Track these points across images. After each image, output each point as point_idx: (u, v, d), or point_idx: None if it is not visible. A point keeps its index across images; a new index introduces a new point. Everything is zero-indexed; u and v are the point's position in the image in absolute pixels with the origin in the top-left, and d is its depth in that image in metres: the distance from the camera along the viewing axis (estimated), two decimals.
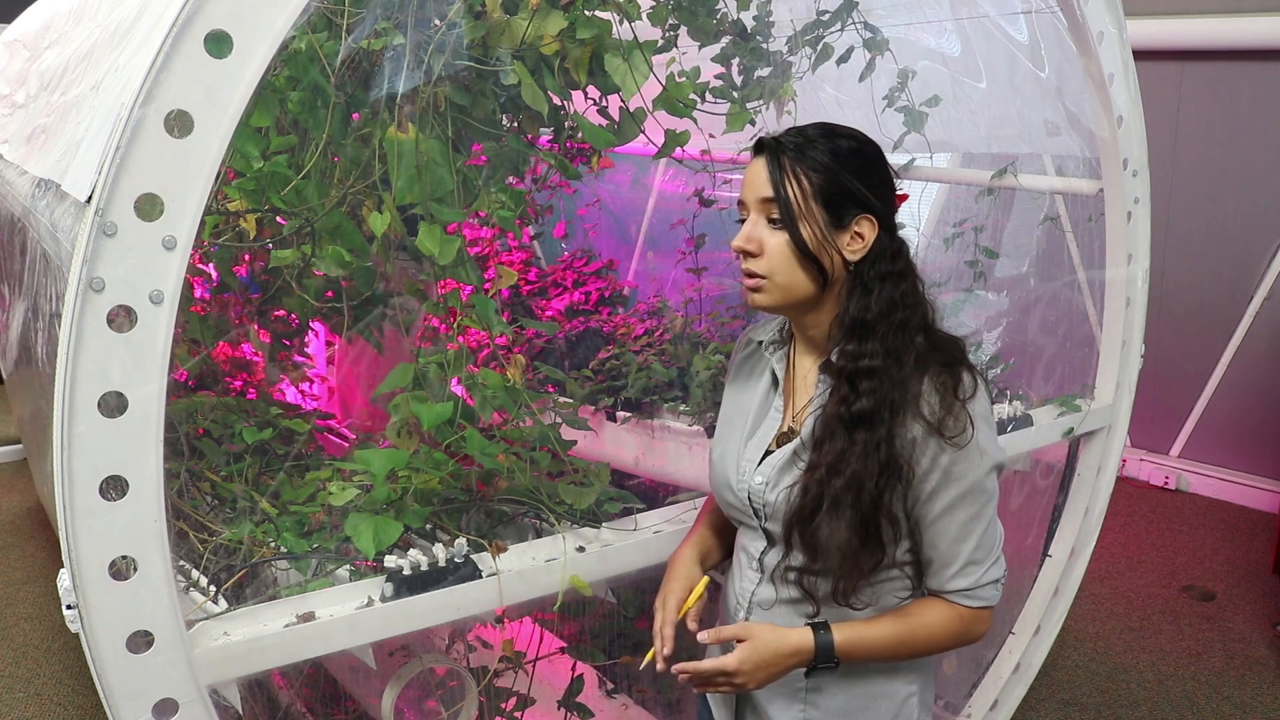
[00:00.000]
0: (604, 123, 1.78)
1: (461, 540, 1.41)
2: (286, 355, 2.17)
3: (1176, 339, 4.54)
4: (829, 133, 1.20)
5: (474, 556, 1.42)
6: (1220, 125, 4.21)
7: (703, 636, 1.24)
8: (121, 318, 1.06)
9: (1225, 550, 4.11)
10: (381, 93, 1.46)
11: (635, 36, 1.60)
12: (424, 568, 1.36)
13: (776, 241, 1.19)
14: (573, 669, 2.05)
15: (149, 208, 1.05)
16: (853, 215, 1.18)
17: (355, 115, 1.56)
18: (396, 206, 1.48)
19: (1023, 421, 2.19)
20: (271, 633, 1.26)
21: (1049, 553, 2.53)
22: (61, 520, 1.06)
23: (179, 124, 1.06)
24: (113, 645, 1.12)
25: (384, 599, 1.33)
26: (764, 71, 2.03)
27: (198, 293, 1.93)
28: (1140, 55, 2.23)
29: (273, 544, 1.47)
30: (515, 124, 1.73)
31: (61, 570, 1.09)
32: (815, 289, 1.21)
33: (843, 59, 2.10)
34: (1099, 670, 3.19)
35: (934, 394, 1.17)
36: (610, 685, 2.27)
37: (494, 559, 1.43)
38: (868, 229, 1.19)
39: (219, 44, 1.07)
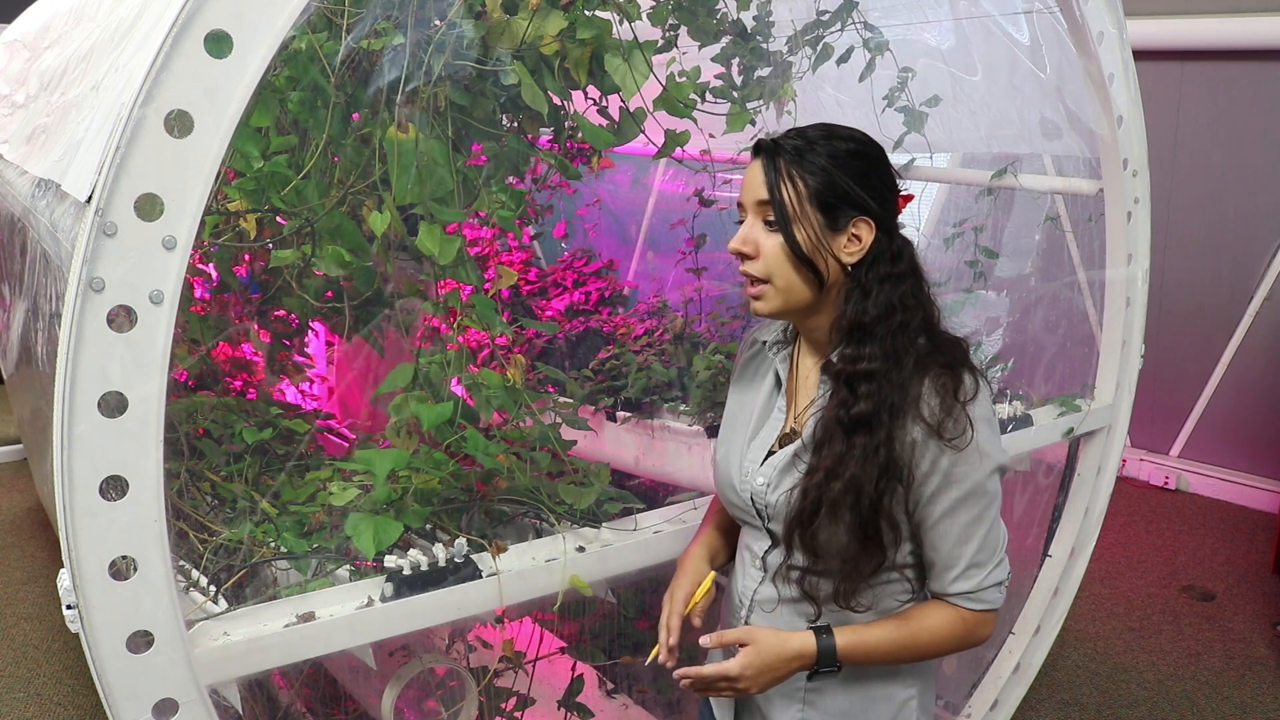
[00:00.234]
0: (604, 123, 1.77)
1: (461, 540, 1.41)
2: (286, 355, 2.17)
3: (1176, 339, 4.54)
4: (829, 134, 1.20)
5: (474, 556, 1.42)
6: (1220, 125, 4.21)
7: (705, 641, 1.24)
8: (121, 318, 1.06)
9: (1225, 550, 4.11)
10: (381, 93, 1.46)
11: (635, 36, 1.60)
12: (424, 568, 1.36)
13: (772, 244, 1.19)
14: (573, 669, 2.05)
15: (149, 208, 1.06)
16: (849, 218, 1.18)
17: (355, 115, 1.56)
18: (396, 206, 1.48)
19: (1023, 421, 2.19)
20: (271, 633, 1.25)
21: (1049, 553, 2.53)
22: (61, 520, 1.06)
23: (179, 124, 1.06)
24: (113, 645, 1.12)
25: (384, 599, 1.33)
26: (764, 71, 2.03)
27: (198, 293, 1.93)
28: (1140, 55, 2.23)
29: (273, 544, 1.47)
30: (515, 124, 1.73)
31: (61, 570, 1.09)
32: (813, 292, 1.21)
33: (843, 59, 2.10)
34: (1099, 670, 3.19)
35: (934, 396, 1.16)
36: (610, 685, 2.27)
37: (494, 559, 1.43)
38: (865, 231, 1.19)
39: (219, 44, 1.07)
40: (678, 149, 1.77)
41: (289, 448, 1.84)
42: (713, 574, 1.36)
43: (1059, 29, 2.12)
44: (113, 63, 1.45)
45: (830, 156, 1.18)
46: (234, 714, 1.29)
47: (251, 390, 2.17)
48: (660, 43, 1.83)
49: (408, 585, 1.35)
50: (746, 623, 1.32)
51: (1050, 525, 2.54)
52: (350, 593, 1.34)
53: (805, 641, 1.20)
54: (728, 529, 1.45)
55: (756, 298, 1.22)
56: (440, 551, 1.39)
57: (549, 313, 3.31)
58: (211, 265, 1.89)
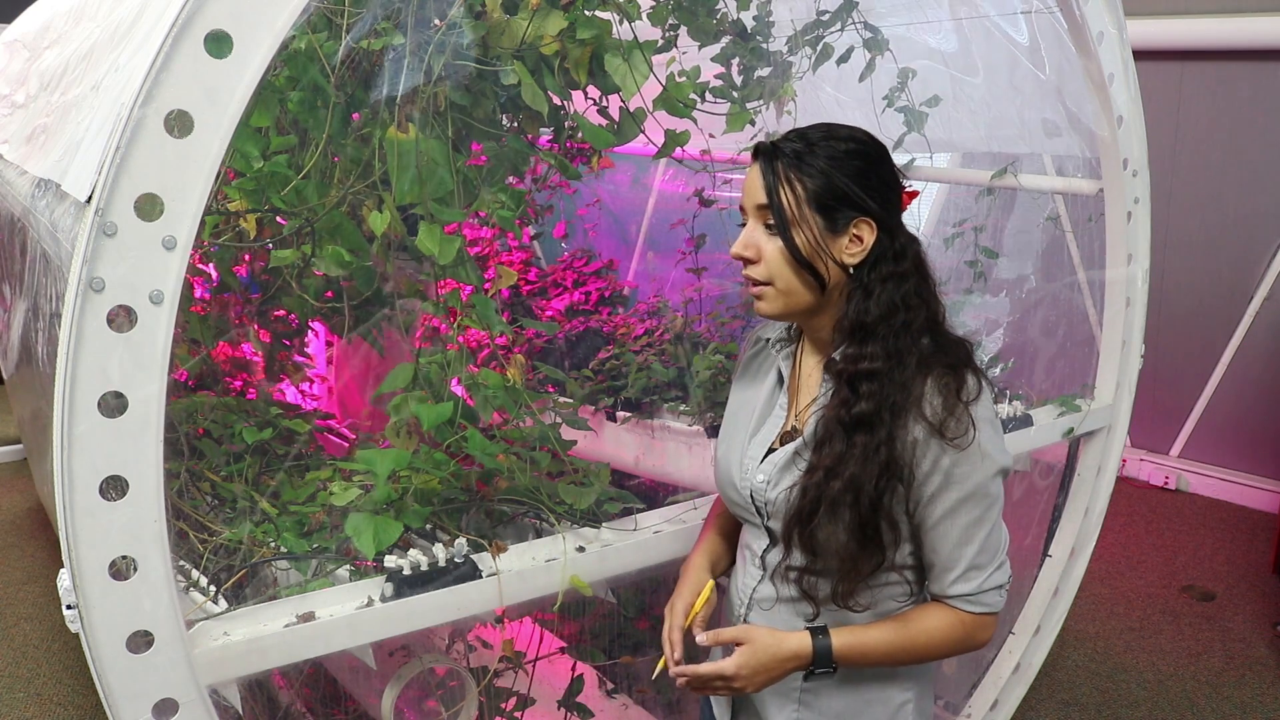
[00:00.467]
0: (604, 123, 1.77)
1: (461, 540, 1.41)
2: (286, 355, 2.17)
3: (1176, 339, 4.54)
4: (829, 135, 1.19)
5: (474, 556, 1.42)
6: (1220, 125, 4.21)
7: (702, 638, 1.24)
8: (121, 318, 1.06)
9: (1225, 550, 4.11)
10: (381, 93, 1.46)
11: (635, 36, 1.60)
12: (424, 568, 1.36)
13: (773, 248, 1.19)
14: (573, 669, 2.05)
15: (149, 208, 1.06)
16: (849, 219, 1.17)
17: (355, 115, 1.56)
18: (396, 206, 1.48)
19: (1023, 421, 2.19)
20: (271, 633, 1.26)
21: (1049, 553, 2.53)
22: (61, 520, 1.06)
23: (179, 124, 1.06)
24: (113, 645, 1.12)
25: (384, 599, 1.33)
26: (764, 71, 2.03)
27: (198, 293, 1.93)
28: (1140, 55, 2.23)
29: (273, 544, 1.47)
30: (515, 124, 1.73)
31: (61, 570, 1.09)
32: (814, 294, 1.20)
33: (843, 59, 2.10)
34: (1099, 670, 3.19)
35: (936, 395, 1.16)
36: (610, 685, 2.27)
37: (494, 559, 1.43)
38: (866, 232, 1.18)
39: (219, 44, 1.07)
40: (678, 149, 1.77)
41: (289, 448, 1.84)
42: (711, 583, 1.36)
43: (1059, 29, 2.12)
44: (113, 63, 1.45)
45: (829, 158, 1.17)
46: (234, 714, 1.29)
47: (251, 390, 2.17)
48: (660, 43, 1.83)
49: (408, 585, 1.35)
50: (745, 621, 1.32)
51: (1050, 525, 2.54)
52: (350, 593, 1.34)
53: (802, 642, 1.20)
54: (729, 532, 1.45)
55: (758, 299, 1.23)
56: (440, 551, 1.39)
57: (549, 313, 3.31)
58: (211, 265, 1.89)
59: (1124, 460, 4.38)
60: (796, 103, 2.01)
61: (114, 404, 1.06)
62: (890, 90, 2.24)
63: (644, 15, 1.68)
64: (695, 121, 1.78)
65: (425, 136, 1.45)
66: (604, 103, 1.80)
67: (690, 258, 3.00)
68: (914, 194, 1.24)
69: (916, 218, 2.74)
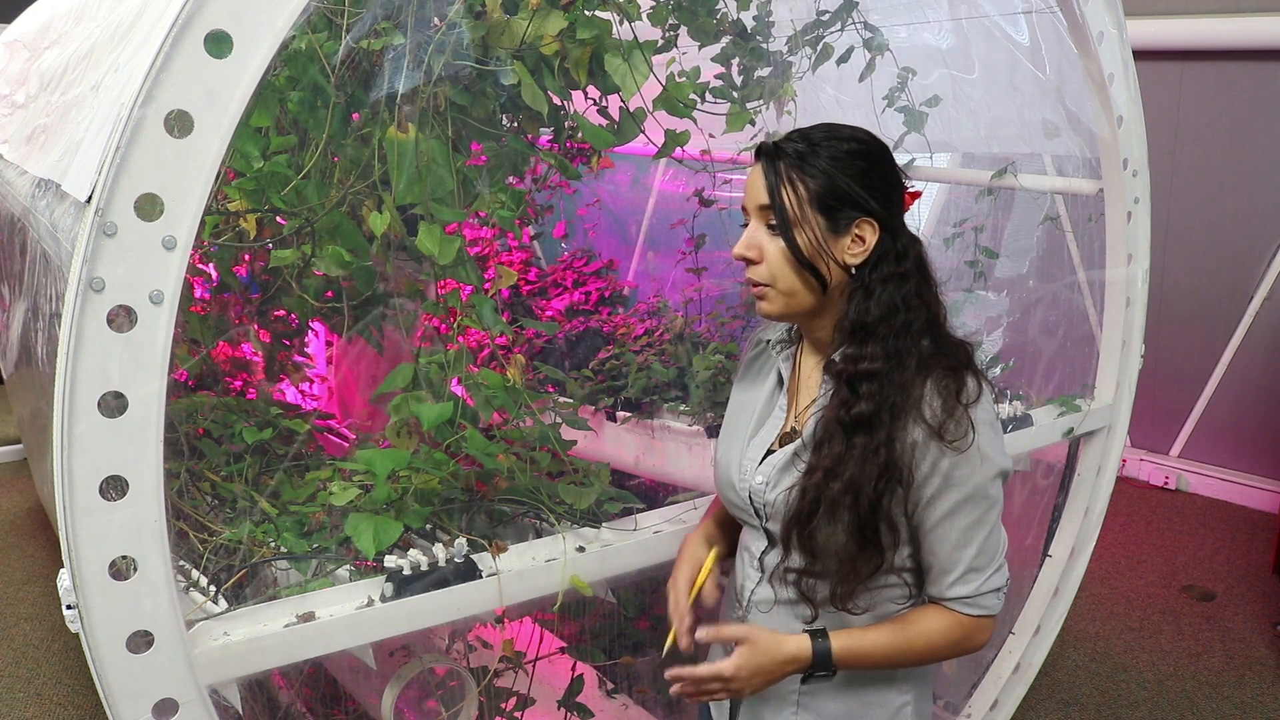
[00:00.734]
0: (604, 123, 1.77)
1: (461, 540, 1.41)
2: (286, 355, 2.17)
3: (1176, 339, 4.54)
4: (831, 135, 1.19)
5: (474, 556, 1.42)
6: (1220, 125, 4.21)
7: (702, 634, 1.24)
8: (121, 318, 1.06)
9: (1225, 550, 4.11)
10: (381, 93, 1.46)
11: (635, 36, 1.60)
12: (424, 568, 1.36)
13: (775, 248, 1.19)
14: (573, 669, 2.05)
15: (149, 208, 1.06)
16: (851, 220, 1.17)
17: (355, 115, 1.56)
18: (396, 206, 1.48)
19: (1023, 421, 2.19)
20: (271, 633, 1.26)
21: (1049, 553, 2.53)
22: (61, 520, 1.06)
23: (179, 124, 1.06)
24: (113, 645, 1.12)
25: (384, 599, 1.33)
26: (764, 71, 2.03)
27: (198, 293, 1.93)
28: (1140, 55, 2.22)
29: (273, 544, 1.47)
30: (515, 124, 1.73)
31: (61, 570, 1.09)
32: (816, 295, 1.20)
33: (843, 59, 2.10)
34: (1099, 670, 3.19)
35: (936, 397, 1.16)
36: (610, 685, 2.27)
37: (494, 559, 1.43)
38: (868, 233, 1.18)
39: (219, 44, 1.07)
40: (678, 149, 1.77)
41: (289, 448, 1.84)
42: (714, 551, 1.35)
43: (1059, 29, 2.12)
44: (113, 63, 1.45)
45: (832, 158, 1.17)
46: (234, 714, 1.29)
47: (251, 390, 2.17)
48: (660, 43, 1.83)
49: (408, 585, 1.35)
50: (744, 622, 1.32)
51: (1050, 525, 2.54)
52: (350, 593, 1.34)
53: (800, 645, 1.19)
54: (727, 523, 1.45)
55: (760, 299, 1.23)
56: (440, 551, 1.39)
57: (549, 313, 3.31)
58: (211, 265, 1.89)
59: (1124, 460, 4.37)
60: (796, 103, 2.01)
61: (114, 404, 1.06)
62: (890, 90, 2.24)
63: (644, 15, 1.68)
64: (695, 121, 1.78)
65: (425, 136, 1.45)
66: (604, 103, 1.80)
67: (690, 258, 3.00)
68: (916, 194, 1.24)
69: (917, 218, 2.73)
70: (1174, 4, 4.12)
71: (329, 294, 1.81)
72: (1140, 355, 2.44)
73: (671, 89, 1.73)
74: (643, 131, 1.73)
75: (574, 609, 1.62)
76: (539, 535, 1.58)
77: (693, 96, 1.77)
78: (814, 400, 1.26)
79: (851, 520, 1.15)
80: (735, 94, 2.00)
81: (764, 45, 2.00)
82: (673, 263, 3.11)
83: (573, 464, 1.67)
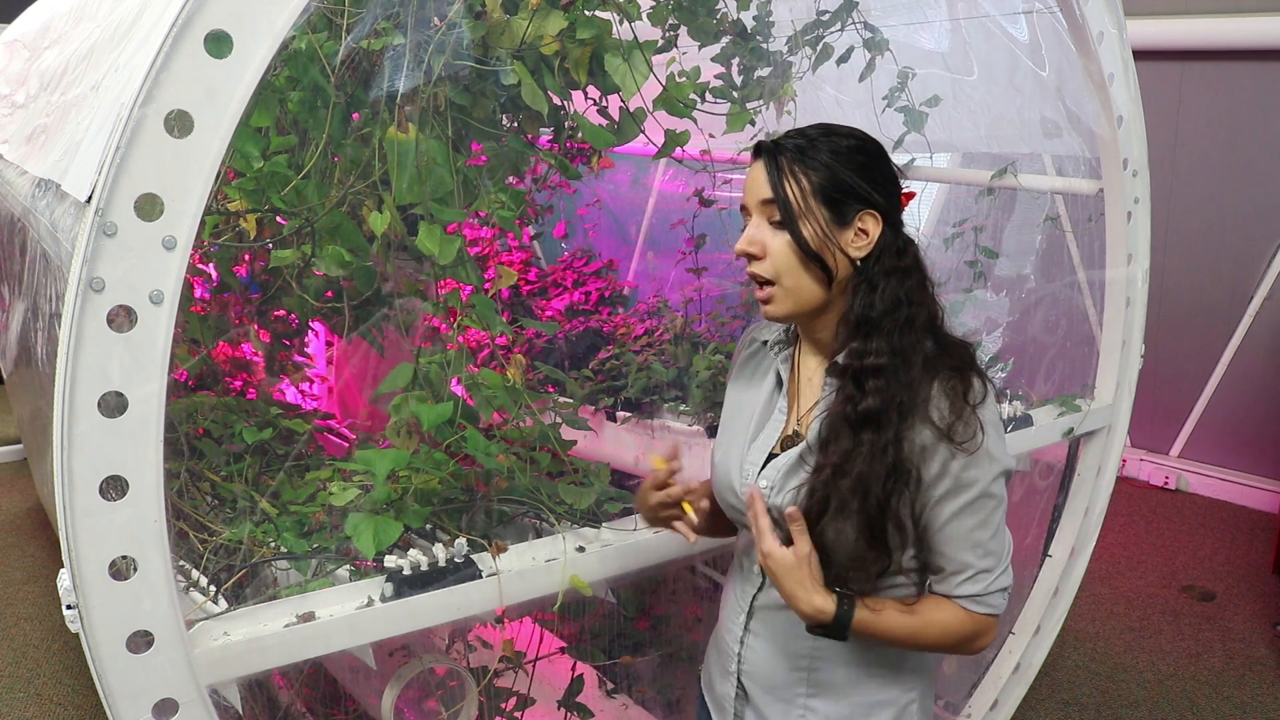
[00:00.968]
0: (604, 123, 1.78)
1: (461, 540, 1.41)
2: (286, 355, 2.17)
3: (1176, 339, 4.54)
4: (828, 131, 1.20)
5: (474, 556, 1.42)
6: (1220, 125, 4.21)
7: (792, 510, 1.18)
8: (121, 318, 1.06)
9: (1225, 550, 4.11)
10: (381, 93, 1.46)
11: (635, 36, 1.60)
12: (424, 568, 1.36)
13: (779, 243, 1.18)
14: (573, 669, 2.05)
15: (149, 208, 1.06)
16: (855, 211, 1.17)
17: (355, 115, 1.56)
18: (396, 206, 1.49)
19: (1023, 421, 2.19)
20: (271, 633, 1.25)
21: (1049, 553, 2.53)
22: (61, 520, 1.06)
23: (179, 124, 1.06)
24: (113, 645, 1.12)
25: (384, 599, 1.33)
26: (764, 71, 2.03)
27: (198, 293, 1.93)
28: (1140, 55, 2.23)
29: (273, 544, 1.47)
30: (515, 124, 1.73)
31: (61, 570, 1.09)
32: (822, 290, 1.19)
33: (843, 59, 2.10)
34: (1099, 670, 3.19)
35: (943, 399, 1.15)
36: (610, 685, 2.27)
37: (494, 559, 1.43)
38: (872, 225, 1.18)
39: (219, 44, 1.07)
40: (678, 149, 1.77)
41: (289, 448, 1.84)
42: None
43: (1059, 29, 2.12)
44: (113, 63, 1.45)
45: (832, 152, 1.17)
46: (234, 714, 1.29)
47: (251, 390, 2.17)
48: (660, 43, 1.83)
49: (408, 585, 1.35)
50: (747, 630, 1.31)
51: (1050, 525, 2.54)
52: (350, 593, 1.34)
53: (827, 602, 1.17)
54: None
55: (766, 301, 1.21)
56: (440, 551, 1.39)
57: (549, 313, 3.31)
58: (211, 265, 1.89)
59: (1124, 460, 4.37)
60: (796, 103, 2.01)
61: (114, 404, 1.06)
62: (890, 90, 2.24)
63: (644, 15, 1.68)
64: (695, 121, 1.79)
65: (425, 136, 1.45)
66: (604, 103, 1.80)
67: (690, 258, 3.00)
68: (910, 195, 1.24)
69: (917, 218, 2.74)
70: (1174, 4, 4.12)
71: (329, 294, 1.81)
72: (1140, 355, 2.44)
73: (671, 89, 1.73)
74: (643, 131, 1.73)
75: (574, 609, 1.62)
76: (539, 535, 1.58)
77: (693, 96, 1.77)
78: (816, 403, 1.25)
79: (861, 519, 1.14)
80: (735, 94, 2.00)
81: (764, 45, 2.01)
82: (673, 263, 3.12)
83: (573, 464, 1.67)
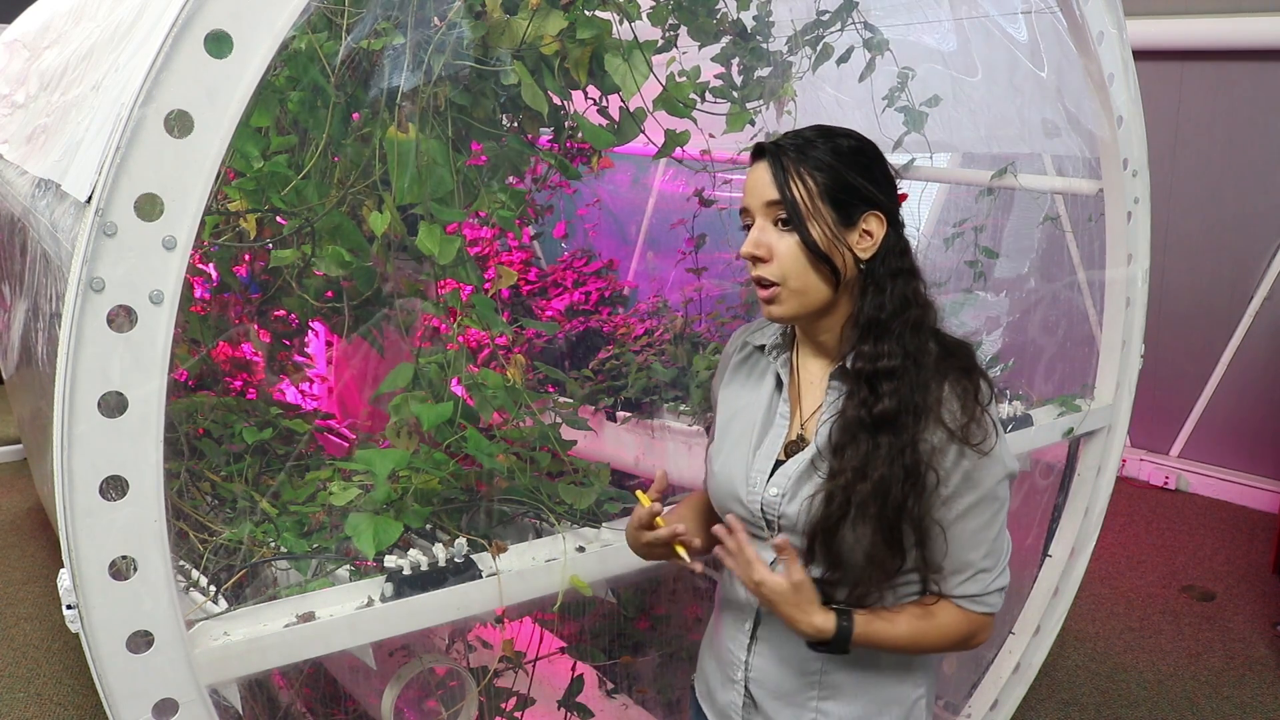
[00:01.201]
0: (604, 123, 1.78)
1: (461, 540, 1.41)
2: (286, 355, 2.17)
3: (1176, 339, 4.54)
4: (827, 133, 1.19)
5: (474, 556, 1.42)
6: (1220, 125, 4.21)
7: (781, 539, 1.17)
8: (121, 318, 1.06)
9: (1225, 550, 4.11)
10: (381, 93, 1.46)
11: (635, 36, 1.60)
12: (424, 568, 1.36)
13: (786, 245, 1.17)
14: (573, 669, 2.05)
15: (149, 208, 1.06)
16: (861, 212, 1.17)
17: (355, 115, 1.56)
18: (397, 206, 1.49)
19: (1023, 421, 2.19)
20: (271, 633, 1.26)
21: (1049, 553, 2.53)
22: (61, 520, 1.06)
23: (179, 124, 1.06)
24: (113, 645, 1.12)
25: (384, 599, 1.33)
26: (764, 71, 2.03)
27: (198, 293, 1.93)
28: (1140, 55, 2.23)
29: (273, 544, 1.47)
30: (515, 124, 1.73)
31: (61, 570, 1.09)
32: (829, 291, 1.18)
33: (843, 59, 2.10)
34: (1099, 670, 3.19)
35: (954, 400, 1.15)
36: (610, 685, 2.27)
37: (494, 559, 1.43)
38: (876, 226, 1.18)
39: (219, 44, 1.07)
40: (678, 149, 1.77)
41: (289, 448, 1.84)
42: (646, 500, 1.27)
43: (1059, 29, 2.12)
44: (113, 63, 1.45)
45: (834, 153, 1.17)
46: (234, 714, 1.29)
47: (251, 390, 2.17)
48: (660, 43, 1.83)
49: (408, 585, 1.35)
50: (754, 638, 1.29)
51: (1050, 525, 2.54)
52: (350, 593, 1.34)
53: (826, 621, 1.17)
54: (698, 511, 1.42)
55: (770, 301, 1.19)
56: (440, 551, 1.39)
57: (549, 313, 3.31)
58: (211, 265, 1.89)
59: (1124, 460, 4.38)
60: (796, 103, 2.01)
61: (114, 404, 1.06)
62: (890, 90, 2.24)
63: (644, 15, 1.68)
64: (695, 121, 1.78)
65: (425, 136, 1.46)
66: (604, 103, 1.80)
67: (690, 258, 3.00)
68: (903, 196, 1.24)
69: (917, 218, 2.75)
70: (1174, 4, 4.12)
71: (329, 294, 1.81)
72: (1140, 355, 2.44)
73: (671, 89, 1.73)
74: (643, 131, 1.73)
75: (574, 609, 1.62)
76: (539, 535, 1.58)
77: (693, 96, 1.77)
78: (820, 406, 1.24)
79: (879, 522, 1.14)
80: (735, 94, 2.00)
81: (764, 45, 2.01)
82: (673, 263, 3.11)
83: (573, 464, 1.68)
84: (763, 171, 1.19)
